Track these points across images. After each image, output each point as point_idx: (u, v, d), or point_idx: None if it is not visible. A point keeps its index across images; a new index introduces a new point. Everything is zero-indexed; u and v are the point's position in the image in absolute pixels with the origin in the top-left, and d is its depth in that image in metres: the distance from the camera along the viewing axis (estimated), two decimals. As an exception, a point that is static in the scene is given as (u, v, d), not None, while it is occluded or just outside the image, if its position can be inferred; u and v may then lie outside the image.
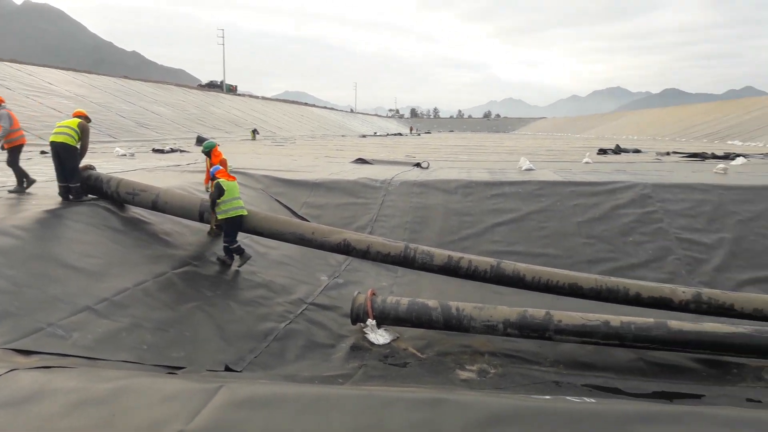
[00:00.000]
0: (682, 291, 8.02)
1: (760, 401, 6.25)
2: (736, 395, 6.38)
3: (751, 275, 9.92)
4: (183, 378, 5.21)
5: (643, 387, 6.43)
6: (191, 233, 9.33)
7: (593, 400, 3.35)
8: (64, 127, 8.80)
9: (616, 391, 6.36)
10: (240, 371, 6.24)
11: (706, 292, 8.11)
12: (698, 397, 6.27)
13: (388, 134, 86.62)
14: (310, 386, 4.75)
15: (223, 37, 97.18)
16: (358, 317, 7.65)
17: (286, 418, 3.43)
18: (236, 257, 8.67)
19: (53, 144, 8.72)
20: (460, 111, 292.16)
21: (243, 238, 9.63)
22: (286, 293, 8.59)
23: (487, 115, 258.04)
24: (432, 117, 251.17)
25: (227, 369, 6.18)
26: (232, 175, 9.28)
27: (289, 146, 36.48)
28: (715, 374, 6.89)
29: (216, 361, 6.31)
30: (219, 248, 8.93)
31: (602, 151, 29.68)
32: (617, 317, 7.21)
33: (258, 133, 49.84)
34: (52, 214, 7.91)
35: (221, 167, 9.19)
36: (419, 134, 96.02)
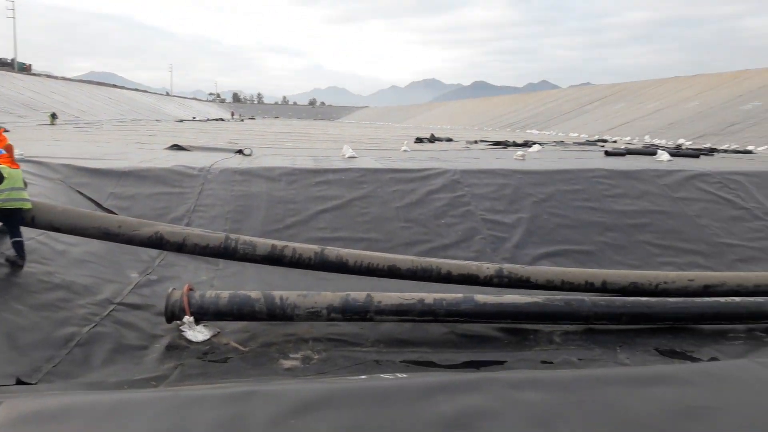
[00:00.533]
0: (487, 267, 8.77)
1: (551, 362, 7.05)
2: (532, 359, 7.12)
3: (544, 250, 11.15)
4: (-43, 399, 4.50)
5: (454, 358, 6.92)
6: (-30, 232, 8.08)
7: (405, 376, 3.51)
8: None
9: (430, 364, 6.75)
10: (35, 383, 5.57)
11: (507, 267, 8.96)
12: (501, 363, 6.89)
13: (208, 119, 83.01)
14: (109, 393, 4.37)
15: (13, 9, 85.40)
16: (173, 315, 7.21)
17: (78, 431, 3.12)
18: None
19: None
20: (284, 97, 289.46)
21: (38, 235, 8.59)
22: (89, 294, 7.82)
23: (312, 103, 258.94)
24: (256, 102, 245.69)
25: (19, 382, 5.48)
26: (17, 163, 8.17)
27: (94, 132, 33.30)
28: (516, 341, 7.63)
29: (5, 375, 5.55)
30: (7, 246, 7.85)
31: (419, 140, 31.38)
32: (431, 295, 7.65)
33: (57, 118, 44.87)
34: None
35: (6, 152, 8.05)
36: (242, 120, 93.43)
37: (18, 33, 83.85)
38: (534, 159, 18.11)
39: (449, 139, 32.99)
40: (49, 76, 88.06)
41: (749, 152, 25.33)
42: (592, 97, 66.23)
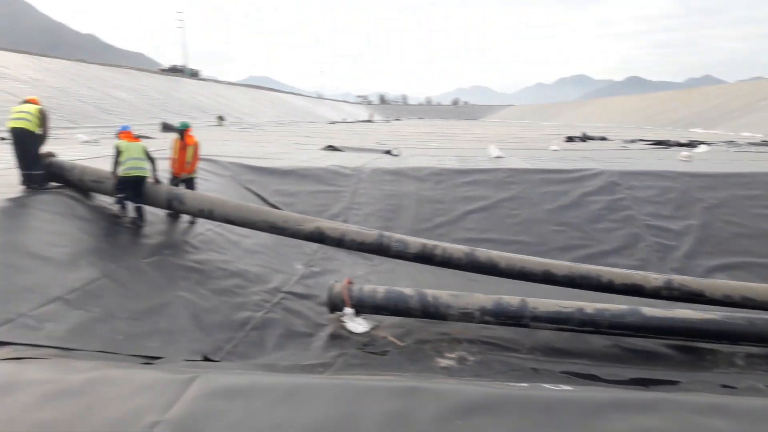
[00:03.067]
0: (654, 278, 8.16)
1: (735, 387, 6.37)
2: (711, 381, 6.47)
3: (719, 262, 10.16)
4: (157, 369, 5.10)
5: (620, 374, 6.51)
6: (161, 222, 9.11)
7: (570, 388, 3.36)
8: (23, 113, 8.30)
9: (593, 378, 6.42)
10: (218, 361, 6.14)
11: (677, 278, 8.27)
12: (674, 383, 6.35)
13: (357, 121, 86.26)
14: (286, 376, 4.69)
15: (182, 20, 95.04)
16: (335, 306, 7.59)
17: (262, 408, 3.38)
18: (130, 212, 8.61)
19: (14, 130, 8.29)
20: (428, 98, 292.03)
21: (215, 227, 9.45)
22: (261, 282, 8.47)
23: (455, 102, 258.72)
24: (401, 104, 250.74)
25: (205, 359, 6.07)
26: (137, 138, 9.06)
27: (257, 133, 35.98)
28: (690, 360, 7.01)
29: (193, 351, 6.19)
30: (192, 235, 8.74)
31: (570, 139, 30.08)
32: (591, 304, 7.28)
33: (224, 120, 49.06)
34: (16, 203, 7.63)
35: (127, 129, 8.98)
36: (388, 121, 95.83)
37: (186, 41, 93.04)
38: (702, 160, 16.59)
39: (603, 138, 31.23)
40: (215, 81, 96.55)
41: None
42: (766, 92, 59.16)
